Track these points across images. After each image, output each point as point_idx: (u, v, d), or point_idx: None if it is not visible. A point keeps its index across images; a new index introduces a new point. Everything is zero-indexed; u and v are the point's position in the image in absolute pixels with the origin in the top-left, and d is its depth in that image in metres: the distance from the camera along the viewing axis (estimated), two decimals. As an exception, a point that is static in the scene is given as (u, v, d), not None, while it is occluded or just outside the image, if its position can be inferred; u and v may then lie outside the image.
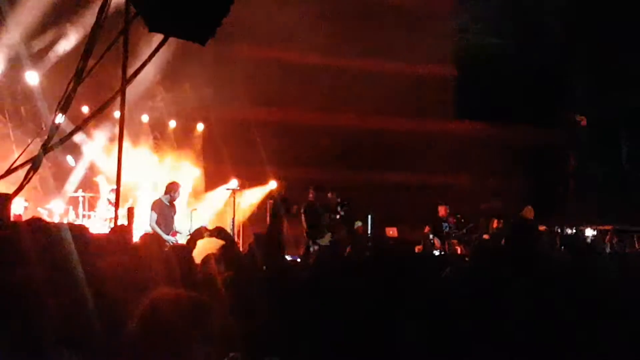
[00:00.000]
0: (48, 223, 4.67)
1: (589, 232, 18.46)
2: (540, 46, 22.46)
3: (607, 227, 18.08)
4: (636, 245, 15.67)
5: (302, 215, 15.40)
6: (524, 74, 22.97)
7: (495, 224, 17.41)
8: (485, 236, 17.57)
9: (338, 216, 16.21)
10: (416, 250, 15.54)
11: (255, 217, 18.26)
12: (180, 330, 2.66)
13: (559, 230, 18.36)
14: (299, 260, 13.34)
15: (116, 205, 7.29)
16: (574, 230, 18.65)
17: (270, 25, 18.83)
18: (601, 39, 21.36)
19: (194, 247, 6.50)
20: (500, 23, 22.70)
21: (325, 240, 14.92)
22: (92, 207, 16.50)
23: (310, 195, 15.76)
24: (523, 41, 22.60)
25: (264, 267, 6.15)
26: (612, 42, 21.26)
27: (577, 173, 24.69)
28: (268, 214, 15.69)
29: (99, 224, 15.70)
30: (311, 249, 14.69)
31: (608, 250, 15.00)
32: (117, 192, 5.61)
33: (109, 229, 11.95)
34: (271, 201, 15.76)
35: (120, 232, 6.46)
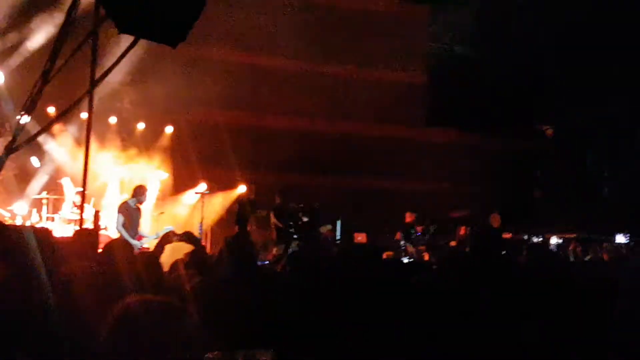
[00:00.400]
0: (9, 225, 4.59)
1: (554, 240, 18.61)
2: (510, 56, 22.63)
3: (571, 236, 18.26)
4: (599, 254, 15.80)
5: (273, 218, 15.39)
6: (493, 83, 23.15)
7: (462, 231, 17.47)
8: (453, 243, 17.64)
9: (300, 222, 16.25)
10: (384, 256, 15.54)
11: (224, 221, 18.16)
12: (154, 336, 2.61)
13: (526, 238, 18.49)
14: (267, 263, 13.27)
15: (81, 208, 7.22)
16: (541, 239, 18.78)
17: (241, 29, 18.81)
18: (570, 51, 21.59)
19: (162, 252, 6.43)
20: (471, 33, 22.86)
21: (294, 245, 14.89)
22: (56, 209, 16.28)
23: (278, 200, 15.75)
24: (493, 51, 22.78)
25: (235, 272, 6.10)
26: (580, 53, 21.49)
27: (543, 181, 24.93)
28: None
29: (62, 226, 15.51)
30: (290, 249, 14.64)
31: (572, 258, 15.12)
32: (83, 194, 5.53)
33: (73, 232, 11.82)
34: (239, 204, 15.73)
35: (85, 236, 6.37)
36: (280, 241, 15.38)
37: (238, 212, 15.96)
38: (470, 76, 22.77)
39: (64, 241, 6.80)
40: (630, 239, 19.05)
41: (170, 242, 6.91)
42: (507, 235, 17.62)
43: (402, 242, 17.40)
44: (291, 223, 15.67)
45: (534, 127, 25.14)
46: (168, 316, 2.71)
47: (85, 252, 5.35)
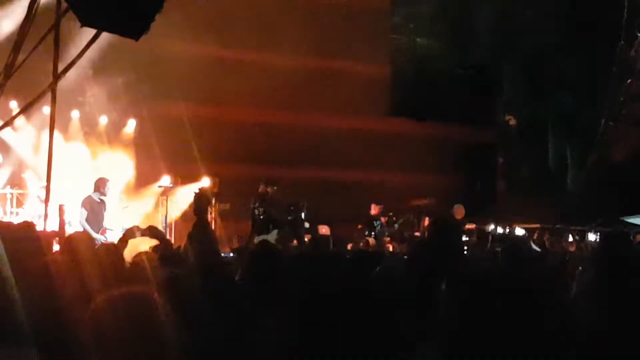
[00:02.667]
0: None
1: (519, 231, 18.80)
2: (472, 46, 22.81)
3: (534, 226, 18.44)
4: (562, 244, 15.99)
5: (256, 209, 15.17)
6: (455, 73, 23.32)
7: (426, 222, 17.60)
8: (417, 234, 17.78)
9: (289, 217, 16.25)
10: (348, 248, 15.62)
11: (189, 214, 18.08)
12: (132, 329, 2.63)
13: (493, 229, 18.63)
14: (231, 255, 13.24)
15: (46, 202, 7.17)
16: (507, 230, 18.95)
17: (203, 21, 18.73)
18: (532, 41, 21.81)
19: (125, 246, 6.43)
20: (433, 23, 22.99)
21: (273, 235, 14.67)
22: (20, 204, 16.14)
23: (262, 189, 15.47)
24: (455, 41, 22.93)
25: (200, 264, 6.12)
26: (542, 44, 21.72)
27: (506, 172, 25.16)
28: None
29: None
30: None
31: (537, 248, 15.29)
32: (48, 189, 5.51)
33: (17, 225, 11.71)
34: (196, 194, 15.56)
35: (25, 229, 6.31)
36: (261, 231, 15.11)
37: (195, 203, 15.86)
38: (432, 67, 22.91)
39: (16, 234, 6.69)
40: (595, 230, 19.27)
41: (133, 236, 6.92)
42: (470, 226, 17.78)
43: (366, 233, 17.48)
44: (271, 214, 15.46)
45: (497, 117, 25.36)
46: (143, 308, 2.73)
47: (27, 245, 5.30)
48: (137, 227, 8.75)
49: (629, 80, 21.53)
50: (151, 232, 6.84)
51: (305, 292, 3.63)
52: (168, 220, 17.02)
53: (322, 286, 3.55)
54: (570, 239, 17.87)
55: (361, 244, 16.44)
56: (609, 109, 22.02)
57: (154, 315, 2.71)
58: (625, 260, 3.77)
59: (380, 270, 5.06)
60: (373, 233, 17.52)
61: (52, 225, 11.45)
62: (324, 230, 18.18)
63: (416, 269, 4.75)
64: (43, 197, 14.36)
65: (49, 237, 7.19)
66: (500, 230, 18.79)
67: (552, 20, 21.33)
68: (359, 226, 17.85)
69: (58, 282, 3.73)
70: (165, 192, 17.09)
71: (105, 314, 2.66)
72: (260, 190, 15.42)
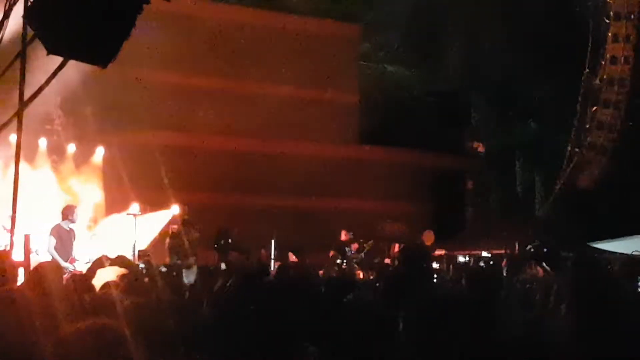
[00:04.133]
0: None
1: (487, 257, 18.85)
2: (440, 74, 23.03)
3: (501, 252, 18.51)
4: (531, 269, 16.04)
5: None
6: (424, 101, 23.51)
7: (396, 249, 17.59)
8: (387, 260, 17.75)
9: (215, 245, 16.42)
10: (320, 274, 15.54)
11: (157, 242, 17.97)
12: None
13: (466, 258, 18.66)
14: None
15: (12, 231, 7.09)
16: (467, 258, 18.97)
17: (172, 50, 18.74)
18: (500, 69, 22.06)
19: (93, 276, 6.36)
20: (402, 51, 23.20)
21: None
22: (-15, 233, 15.90)
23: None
24: (424, 69, 23.14)
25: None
26: (510, 72, 21.97)
27: (474, 198, 25.31)
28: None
29: (-8, 250, 15.13)
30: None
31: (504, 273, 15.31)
32: (13, 218, 5.44)
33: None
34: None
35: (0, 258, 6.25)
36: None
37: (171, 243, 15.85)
38: (401, 95, 23.08)
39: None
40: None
41: (102, 266, 6.85)
42: (440, 252, 17.82)
43: (338, 261, 17.44)
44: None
45: (465, 144, 25.55)
46: (107, 341, 2.70)
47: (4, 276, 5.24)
48: (106, 256, 8.66)
49: (594, 108, 21.81)
50: (120, 261, 6.78)
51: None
52: (137, 248, 16.85)
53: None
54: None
55: (333, 270, 16.43)
56: (576, 136, 22.29)
57: (119, 347, 2.68)
58: (602, 287, 3.80)
59: (352, 298, 5.05)
60: (345, 260, 17.50)
61: (18, 255, 11.29)
62: (294, 257, 18.11)
63: (386, 296, 4.76)
64: (8, 226, 14.18)
65: (15, 266, 7.09)
66: (461, 259, 18.81)
67: (520, 49, 21.59)
68: (331, 253, 17.82)
69: (24, 313, 3.68)
70: (134, 220, 16.94)
71: (70, 345, 2.63)
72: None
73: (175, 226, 15.30)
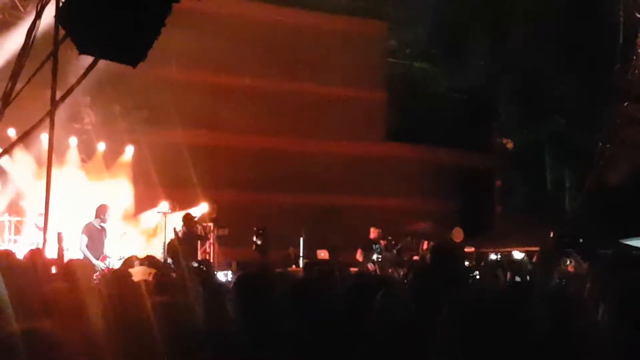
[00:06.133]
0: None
1: (517, 255, 18.73)
2: (468, 71, 22.89)
3: (534, 249, 18.38)
4: (561, 266, 15.90)
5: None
6: (452, 98, 23.40)
7: (425, 246, 17.55)
8: (416, 257, 17.70)
9: (254, 246, 16.46)
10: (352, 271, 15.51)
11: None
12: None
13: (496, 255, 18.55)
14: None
15: (44, 230, 7.18)
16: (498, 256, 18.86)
17: (201, 48, 18.81)
18: (528, 64, 21.91)
19: (130, 276, 6.43)
20: (429, 48, 23.11)
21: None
22: (18, 231, 16.09)
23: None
24: (451, 66, 23.03)
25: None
26: (539, 67, 21.81)
27: (503, 195, 25.16)
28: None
29: (25, 249, 15.29)
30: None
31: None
32: (46, 216, 5.49)
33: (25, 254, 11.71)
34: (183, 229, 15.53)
35: (34, 257, 6.32)
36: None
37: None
38: (428, 91, 23.00)
39: (22, 264, 6.72)
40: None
41: (132, 266, 6.91)
42: (469, 250, 17.75)
43: (371, 257, 17.43)
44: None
45: (493, 141, 25.41)
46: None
47: (36, 274, 5.29)
48: (136, 256, 8.74)
49: (626, 103, 21.58)
50: (149, 261, 6.85)
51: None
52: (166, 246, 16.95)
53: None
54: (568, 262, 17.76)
55: (367, 267, 16.47)
56: (606, 132, 22.07)
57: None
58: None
59: (383, 296, 5.03)
60: (374, 257, 17.48)
61: (51, 253, 11.41)
62: (322, 254, 18.12)
63: (418, 294, 4.72)
64: (41, 224, 14.35)
65: (48, 265, 7.17)
66: (493, 257, 18.71)
67: (549, 44, 21.42)
68: (360, 250, 17.80)
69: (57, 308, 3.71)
70: (164, 218, 17.02)
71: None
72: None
73: (180, 229, 15.29)
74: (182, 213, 16.89)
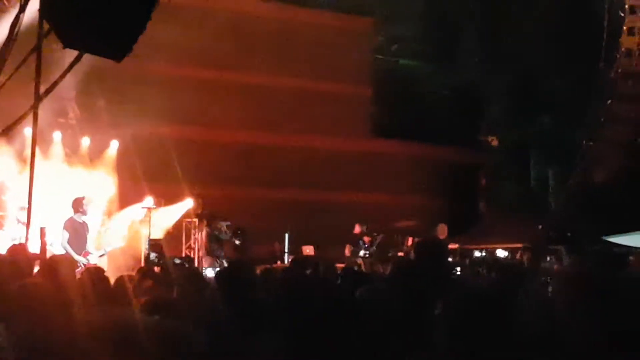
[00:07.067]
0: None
1: (500, 252, 18.82)
2: (455, 68, 22.94)
3: (518, 245, 18.46)
4: (545, 264, 15.99)
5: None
6: (438, 94, 23.43)
7: (409, 242, 17.58)
8: (400, 254, 17.73)
9: (233, 247, 16.46)
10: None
11: (172, 235, 18.01)
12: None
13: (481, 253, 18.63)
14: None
15: (27, 225, 7.13)
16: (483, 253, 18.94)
17: (186, 43, 18.74)
18: (515, 63, 21.98)
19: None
20: (416, 44, 23.13)
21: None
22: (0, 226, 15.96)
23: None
24: (438, 62, 23.07)
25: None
26: (525, 66, 21.89)
27: (488, 192, 25.24)
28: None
29: (7, 243, 15.17)
30: None
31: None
32: (29, 210, 5.47)
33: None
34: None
35: (16, 252, 6.28)
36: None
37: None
38: (415, 88, 23.02)
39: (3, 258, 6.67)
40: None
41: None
42: (453, 246, 17.78)
43: (359, 253, 17.45)
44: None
45: (479, 138, 25.47)
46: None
47: (18, 269, 5.26)
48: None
49: (610, 101, 21.69)
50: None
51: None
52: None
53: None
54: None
55: (355, 262, 16.49)
56: (590, 130, 22.17)
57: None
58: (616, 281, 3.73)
59: (365, 291, 5.03)
60: (361, 253, 17.52)
61: (34, 248, 11.33)
62: (307, 250, 18.13)
63: (402, 289, 4.73)
64: (22, 219, 14.23)
65: (31, 260, 7.13)
66: (477, 253, 18.78)
67: (535, 43, 21.49)
68: (347, 246, 17.82)
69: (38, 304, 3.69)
70: (148, 213, 16.95)
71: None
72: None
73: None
74: (167, 208, 16.87)
